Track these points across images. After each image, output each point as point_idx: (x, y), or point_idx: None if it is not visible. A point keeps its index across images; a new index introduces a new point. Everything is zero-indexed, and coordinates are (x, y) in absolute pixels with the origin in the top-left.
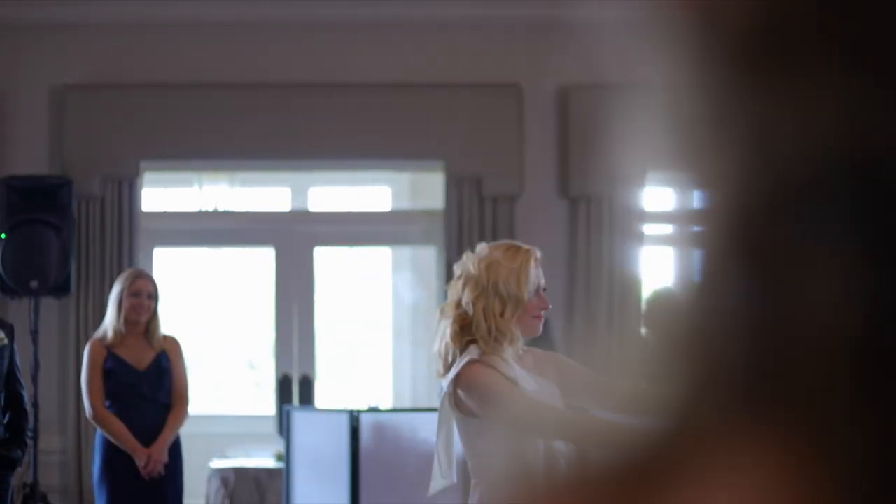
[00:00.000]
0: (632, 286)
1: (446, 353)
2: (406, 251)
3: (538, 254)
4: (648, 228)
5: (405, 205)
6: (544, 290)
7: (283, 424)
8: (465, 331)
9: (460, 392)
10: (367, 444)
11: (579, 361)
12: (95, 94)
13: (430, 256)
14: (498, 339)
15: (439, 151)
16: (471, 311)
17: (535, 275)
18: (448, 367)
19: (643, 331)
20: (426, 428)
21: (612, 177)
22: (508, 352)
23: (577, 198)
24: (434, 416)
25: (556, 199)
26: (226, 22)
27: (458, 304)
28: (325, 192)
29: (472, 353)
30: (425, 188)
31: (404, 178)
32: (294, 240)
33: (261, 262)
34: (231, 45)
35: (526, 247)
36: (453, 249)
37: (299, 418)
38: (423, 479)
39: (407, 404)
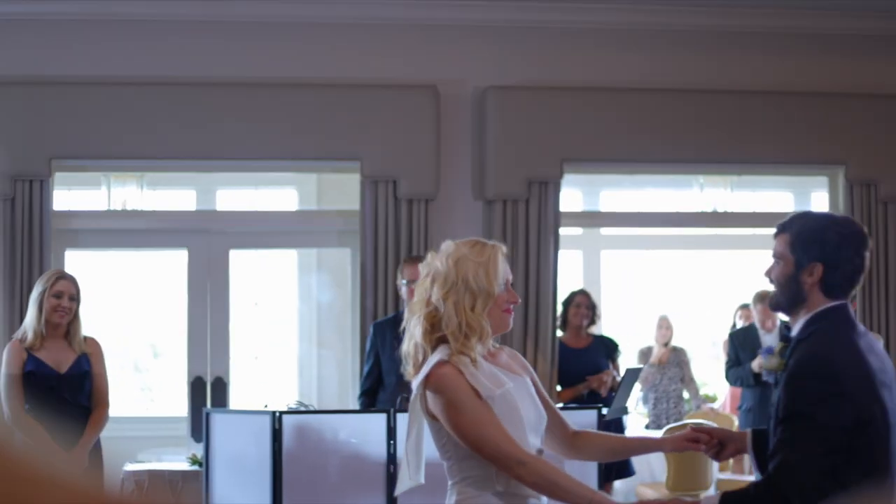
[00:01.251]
0: (547, 287)
1: (416, 353)
2: (320, 253)
3: (504, 249)
4: (566, 230)
5: (312, 206)
6: (511, 284)
7: (202, 426)
8: (436, 328)
9: (428, 394)
10: (289, 445)
11: None
12: (5, 92)
13: (344, 257)
14: (468, 335)
15: (355, 152)
16: (441, 308)
17: (504, 268)
18: (418, 367)
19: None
20: (347, 429)
21: (528, 178)
22: (478, 349)
23: (492, 199)
24: (354, 418)
25: (472, 201)
26: (135, 18)
27: (428, 301)
28: (233, 193)
29: (442, 352)
30: (331, 189)
31: (311, 179)
32: (208, 242)
33: (174, 264)
34: (141, 42)
35: (492, 242)
36: (368, 250)
37: (218, 420)
38: (345, 481)
39: (314, 405)
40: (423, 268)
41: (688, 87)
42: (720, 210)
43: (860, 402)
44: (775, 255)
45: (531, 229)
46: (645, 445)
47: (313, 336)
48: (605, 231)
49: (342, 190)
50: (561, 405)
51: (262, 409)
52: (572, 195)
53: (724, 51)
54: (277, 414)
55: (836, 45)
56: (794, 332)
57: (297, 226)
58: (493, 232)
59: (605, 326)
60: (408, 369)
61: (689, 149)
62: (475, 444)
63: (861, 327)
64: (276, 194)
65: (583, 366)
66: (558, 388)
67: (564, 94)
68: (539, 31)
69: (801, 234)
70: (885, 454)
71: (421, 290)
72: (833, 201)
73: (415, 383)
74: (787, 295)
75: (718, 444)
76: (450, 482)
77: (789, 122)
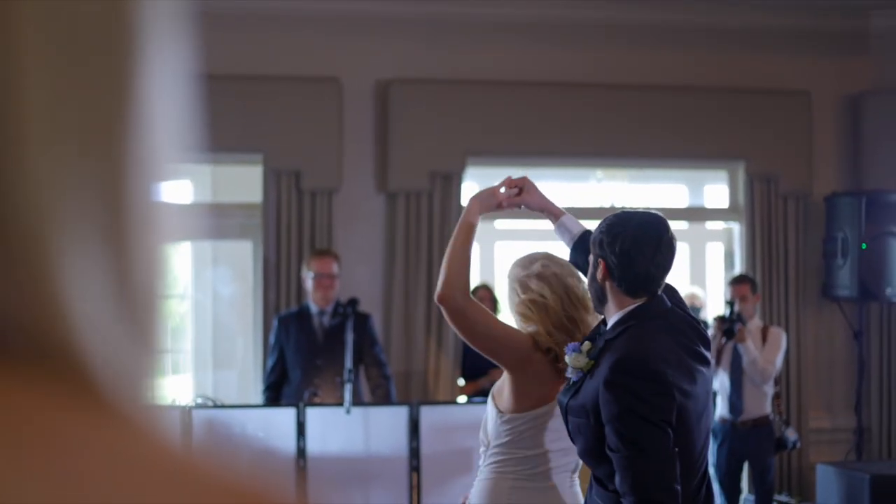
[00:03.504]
0: None
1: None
2: (216, 245)
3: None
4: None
5: (207, 199)
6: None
7: None
8: None
9: None
10: (199, 440)
11: (396, 358)
12: None
13: (244, 250)
14: None
15: (258, 144)
16: None
17: None
18: None
19: None
20: (254, 424)
21: (431, 172)
22: None
23: (395, 192)
24: (261, 412)
25: (375, 194)
26: None
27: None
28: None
29: None
30: (226, 181)
31: (205, 171)
32: None
33: None
34: None
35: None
36: (271, 243)
37: None
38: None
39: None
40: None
41: (589, 82)
42: (618, 204)
43: (676, 397)
44: None
45: (434, 222)
46: None
47: (210, 329)
48: (500, 224)
49: (240, 182)
50: (465, 399)
51: (170, 403)
52: (470, 189)
53: (624, 46)
54: (186, 408)
55: (736, 41)
56: (606, 330)
57: (195, 219)
58: (396, 225)
59: (501, 318)
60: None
61: (590, 143)
62: None
63: (677, 323)
64: (172, 185)
65: (486, 359)
66: (461, 381)
67: (467, 87)
68: (442, 24)
69: (594, 234)
70: (691, 445)
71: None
72: (733, 196)
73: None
74: (592, 294)
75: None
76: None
77: (690, 117)
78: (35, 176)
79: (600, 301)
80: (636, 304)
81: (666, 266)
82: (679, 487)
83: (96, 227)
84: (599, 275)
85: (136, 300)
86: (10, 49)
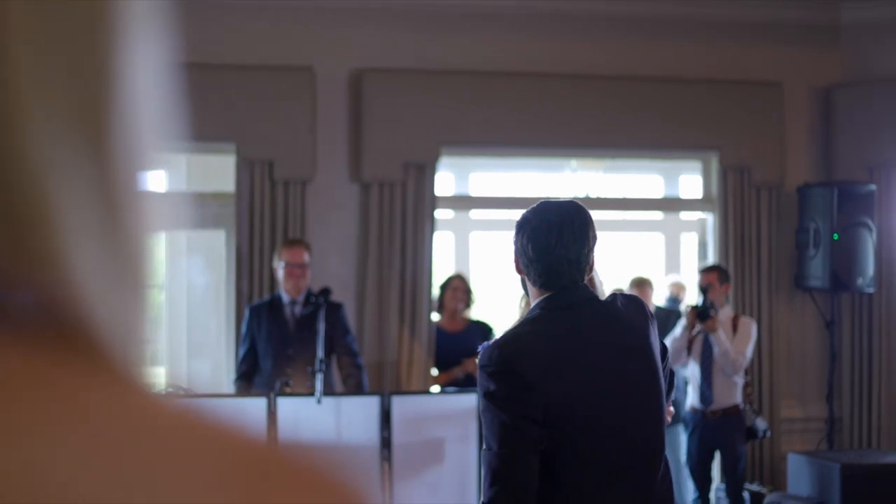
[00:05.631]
0: (423, 271)
1: None
2: (190, 234)
3: None
4: (438, 213)
5: (181, 187)
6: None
7: None
8: None
9: None
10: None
11: (369, 347)
12: None
13: (217, 239)
14: None
15: (231, 133)
16: None
17: None
18: None
19: None
20: (224, 413)
21: (405, 162)
22: None
23: (368, 182)
24: (232, 402)
25: (348, 184)
26: None
27: None
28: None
29: None
30: (201, 170)
31: (180, 160)
32: None
33: None
34: None
35: None
36: (244, 232)
37: None
38: None
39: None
40: None
41: (563, 72)
42: (592, 194)
43: (549, 392)
44: None
45: (407, 212)
46: None
47: (183, 318)
48: (475, 214)
49: (214, 171)
50: (438, 389)
51: None
52: (444, 178)
53: (598, 36)
54: None
55: (710, 32)
56: None
57: (169, 208)
58: (370, 215)
59: (476, 308)
60: None
61: (564, 133)
62: None
63: (592, 315)
64: (152, 175)
65: (459, 349)
66: (434, 371)
67: (441, 77)
68: (416, 13)
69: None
70: (580, 443)
71: None
72: (707, 187)
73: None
74: (523, 288)
75: None
76: None
77: (664, 108)
78: (30, 163)
79: (526, 293)
80: (545, 296)
81: (571, 258)
82: (523, 489)
83: (89, 213)
84: (515, 268)
85: (127, 287)
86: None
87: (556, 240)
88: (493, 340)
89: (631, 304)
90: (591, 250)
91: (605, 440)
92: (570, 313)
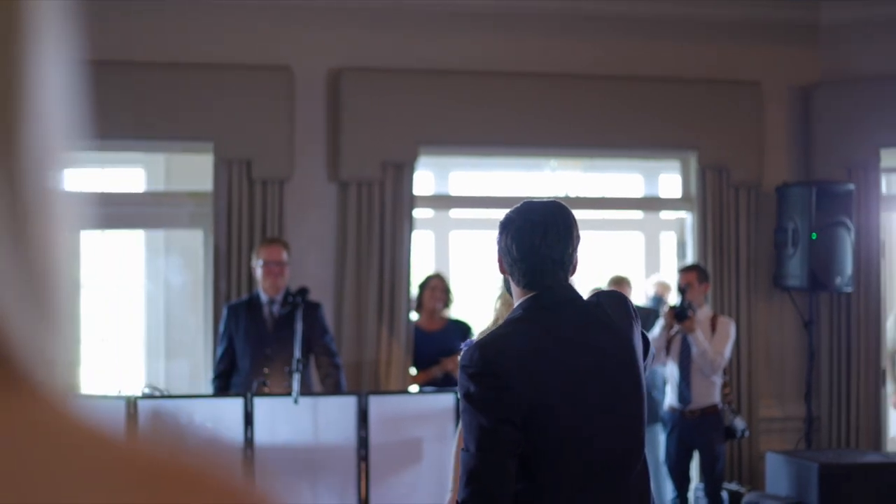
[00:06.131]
0: (402, 270)
1: None
2: (168, 234)
3: None
4: (418, 213)
5: (160, 187)
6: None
7: None
8: None
9: None
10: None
11: (348, 347)
12: None
13: (195, 239)
14: None
15: (209, 132)
16: None
17: None
18: None
19: None
20: (202, 414)
21: (383, 161)
22: None
23: (347, 182)
24: (209, 402)
25: (326, 183)
26: None
27: None
28: (78, 173)
29: None
30: (180, 170)
31: (159, 159)
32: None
33: None
34: None
35: None
36: (222, 232)
37: None
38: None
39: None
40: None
41: (542, 71)
42: (571, 193)
43: (530, 394)
44: None
45: (386, 212)
46: None
47: (161, 318)
48: (455, 213)
49: (193, 171)
50: (417, 388)
51: (116, 394)
52: (423, 177)
53: (577, 35)
54: (132, 399)
55: (689, 31)
56: None
57: (147, 208)
58: (348, 214)
59: (454, 308)
60: None
61: (543, 132)
62: None
63: (574, 316)
64: (124, 174)
65: (437, 349)
66: (413, 370)
67: (419, 76)
68: (394, 13)
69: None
70: (572, 448)
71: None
72: (685, 186)
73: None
74: (505, 287)
75: None
76: None
77: (643, 107)
78: None
79: (510, 294)
80: (528, 297)
81: (556, 258)
82: (499, 491)
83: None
84: (499, 268)
85: (41, 288)
86: None
87: (540, 239)
88: (474, 341)
89: (615, 303)
90: (575, 250)
91: (583, 442)
92: (553, 314)
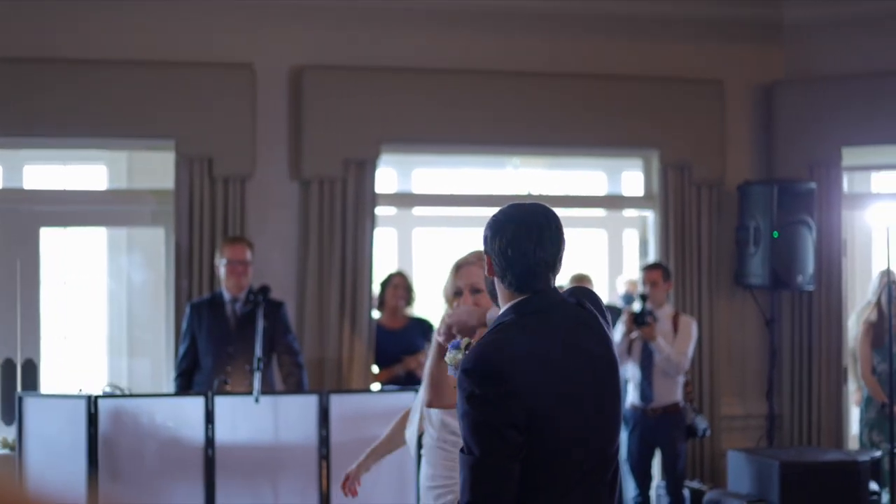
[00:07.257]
0: (364, 268)
1: None
2: (131, 231)
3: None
4: (380, 210)
5: (122, 184)
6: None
7: (15, 410)
8: None
9: None
10: (106, 429)
11: (310, 345)
12: None
13: (157, 236)
14: None
15: (170, 130)
16: None
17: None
18: None
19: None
20: (163, 413)
21: (345, 159)
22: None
23: (308, 179)
24: (170, 401)
25: (288, 181)
26: None
27: None
28: (40, 170)
29: None
30: (142, 167)
31: (121, 156)
32: (17, 219)
33: None
34: None
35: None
36: (183, 230)
37: (32, 404)
38: (164, 465)
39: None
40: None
41: (504, 70)
42: (534, 191)
43: (531, 398)
44: None
45: (348, 210)
46: None
47: (124, 316)
48: (418, 211)
49: (155, 169)
50: (378, 386)
51: (76, 392)
52: (386, 174)
53: (540, 34)
54: (93, 398)
55: (651, 29)
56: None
57: (109, 205)
58: (310, 212)
59: (417, 306)
60: None
61: (505, 130)
62: None
63: (563, 319)
64: (86, 171)
65: (399, 347)
66: (375, 369)
67: (381, 74)
68: (356, 11)
69: (484, 229)
70: (562, 450)
71: None
72: (647, 184)
73: None
74: (488, 291)
75: None
76: None
77: (605, 105)
78: None
79: (493, 297)
80: (519, 300)
81: (549, 261)
82: (503, 495)
83: None
84: (487, 271)
85: None
86: None
87: (535, 243)
88: (476, 344)
89: (592, 302)
90: (562, 253)
91: (579, 444)
92: (545, 317)
